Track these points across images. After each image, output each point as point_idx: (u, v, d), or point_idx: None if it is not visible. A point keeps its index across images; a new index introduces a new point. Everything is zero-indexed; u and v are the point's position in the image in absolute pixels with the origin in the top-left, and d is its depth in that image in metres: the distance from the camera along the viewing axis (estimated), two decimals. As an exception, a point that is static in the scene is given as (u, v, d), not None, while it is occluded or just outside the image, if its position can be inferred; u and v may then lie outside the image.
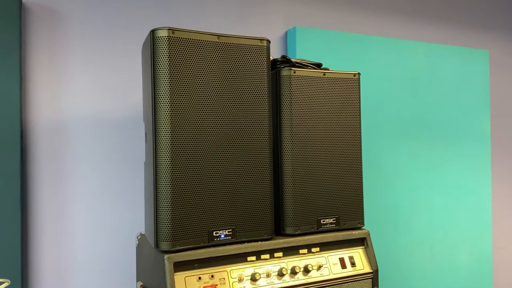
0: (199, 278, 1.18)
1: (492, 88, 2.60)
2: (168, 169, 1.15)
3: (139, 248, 1.48)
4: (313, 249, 1.36)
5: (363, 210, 1.48)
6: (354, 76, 1.48)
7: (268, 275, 1.27)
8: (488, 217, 2.46)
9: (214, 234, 1.21)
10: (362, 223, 1.48)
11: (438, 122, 2.31)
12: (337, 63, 2.00)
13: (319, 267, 1.34)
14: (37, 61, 1.58)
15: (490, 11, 2.66)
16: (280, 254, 1.31)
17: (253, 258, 1.26)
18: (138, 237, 1.48)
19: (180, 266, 1.16)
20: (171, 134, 1.16)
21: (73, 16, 1.63)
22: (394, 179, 2.18)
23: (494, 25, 2.67)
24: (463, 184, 2.39)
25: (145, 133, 1.33)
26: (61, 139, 1.60)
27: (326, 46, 2.02)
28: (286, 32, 2.01)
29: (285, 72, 1.37)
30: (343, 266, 1.39)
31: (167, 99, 1.15)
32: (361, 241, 1.46)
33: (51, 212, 1.59)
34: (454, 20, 2.51)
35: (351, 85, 1.47)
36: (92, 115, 1.65)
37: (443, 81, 2.34)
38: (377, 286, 1.43)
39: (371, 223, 2.07)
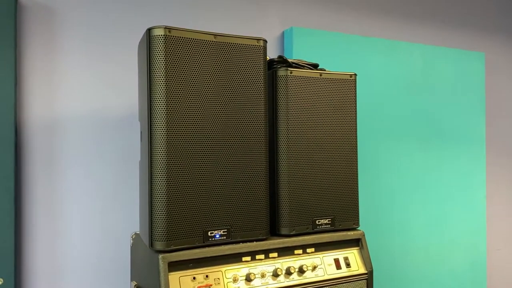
0: (194, 278, 1.18)
1: (487, 90, 2.61)
2: (163, 169, 1.15)
3: (133, 247, 1.47)
4: (308, 250, 1.36)
5: (358, 211, 1.48)
6: (351, 77, 1.48)
7: (263, 276, 1.26)
8: (482, 219, 2.47)
9: (209, 234, 1.20)
10: (358, 224, 1.48)
11: (434, 123, 2.32)
12: (333, 64, 2.00)
13: (314, 268, 1.34)
14: (32, 59, 1.57)
15: (486, 13, 2.67)
16: (275, 254, 1.31)
17: (248, 258, 1.26)
18: (133, 237, 1.48)
19: (175, 266, 1.16)
20: (167, 133, 1.15)
21: (69, 13, 1.62)
22: (389, 180, 2.19)
23: (490, 28, 2.68)
24: (458, 186, 2.39)
25: (141, 132, 1.32)
26: (56, 138, 1.60)
27: (323, 47, 2.02)
28: (283, 32, 2.01)
29: (281, 72, 1.37)
30: (338, 267, 1.39)
31: (162, 98, 1.15)
32: (356, 242, 1.46)
33: (45, 211, 1.58)
34: (450, 22, 2.52)
35: (347, 86, 1.47)
36: (87, 114, 1.64)
37: (439, 83, 2.34)
38: (372, 287, 1.43)
39: (366, 224, 2.07)
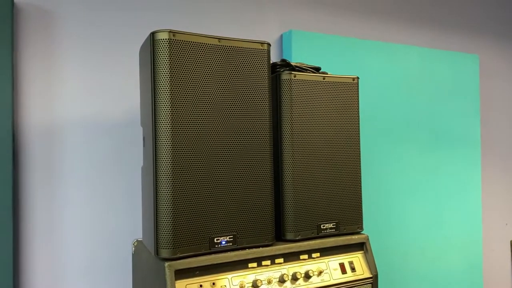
0: (200, 286, 1.16)
1: (482, 91, 2.64)
2: (169, 175, 1.13)
3: (135, 255, 1.45)
4: (314, 255, 1.35)
5: (362, 215, 1.47)
6: (353, 80, 1.47)
7: (269, 282, 1.25)
8: (478, 220, 2.49)
9: (215, 241, 1.19)
10: (362, 228, 1.47)
11: (429, 125, 2.33)
12: (331, 67, 1.99)
13: (320, 273, 1.33)
14: (29, 62, 1.54)
15: (480, 16, 2.70)
16: (281, 260, 1.29)
17: (254, 264, 1.25)
18: (135, 244, 1.45)
19: (181, 273, 1.14)
20: (172, 139, 1.13)
21: (66, 16, 1.59)
22: (386, 182, 2.19)
23: (484, 30, 2.71)
24: (454, 187, 2.41)
25: (143, 138, 1.30)
26: (54, 143, 1.56)
27: (321, 50, 2.02)
28: (282, 35, 2.00)
29: (285, 76, 1.36)
30: (343, 271, 1.38)
31: (167, 103, 1.13)
32: (361, 246, 1.45)
33: (43, 218, 1.54)
34: (445, 25, 2.54)
35: (350, 90, 1.46)
36: (85, 118, 1.61)
37: (435, 85, 2.36)
38: (377, 291, 1.42)
39: (365, 226, 2.06)
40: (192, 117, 1.16)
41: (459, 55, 2.45)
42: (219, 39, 1.22)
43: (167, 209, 1.13)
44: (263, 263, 1.26)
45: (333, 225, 1.41)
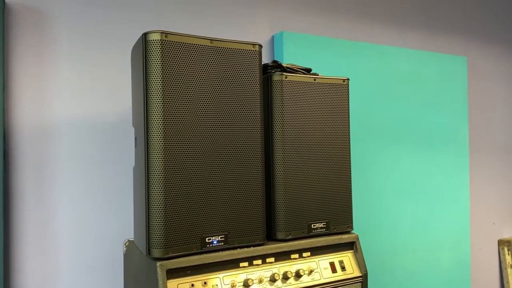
0: (192, 285, 1.17)
1: (470, 93, 2.68)
2: (161, 175, 1.13)
3: (127, 255, 1.45)
4: (304, 254, 1.37)
5: (352, 214, 1.49)
6: (344, 81, 1.49)
7: (260, 281, 1.26)
8: (466, 219, 2.52)
9: (207, 240, 1.19)
10: (351, 227, 1.49)
11: (419, 126, 2.36)
12: (322, 68, 2.01)
13: (310, 272, 1.34)
14: (21, 63, 1.53)
15: (468, 19, 2.74)
16: (272, 259, 1.30)
17: (246, 264, 1.25)
18: (126, 244, 1.45)
19: (173, 273, 1.15)
20: (164, 140, 1.14)
21: (58, 17, 1.59)
22: (376, 184, 2.21)
23: (472, 33, 2.75)
24: (443, 188, 2.44)
25: (135, 138, 1.30)
26: (45, 144, 1.56)
27: (312, 51, 2.03)
28: (273, 36, 2.01)
29: (276, 77, 1.37)
30: (334, 270, 1.40)
31: (159, 104, 1.14)
32: (351, 245, 1.47)
33: (35, 219, 1.54)
34: (434, 27, 2.57)
35: (340, 91, 1.48)
36: (77, 117, 1.61)
37: (424, 87, 2.39)
38: (366, 289, 1.44)
39: (356, 226, 2.08)
40: (184, 118, 1.17)
41: (447, 57, 2.49)
42: (211, 40, 1.22)
43: (159, 209, 1.13)
44: (254, 262, 1.27)
45: (323, 224, 1.43)
